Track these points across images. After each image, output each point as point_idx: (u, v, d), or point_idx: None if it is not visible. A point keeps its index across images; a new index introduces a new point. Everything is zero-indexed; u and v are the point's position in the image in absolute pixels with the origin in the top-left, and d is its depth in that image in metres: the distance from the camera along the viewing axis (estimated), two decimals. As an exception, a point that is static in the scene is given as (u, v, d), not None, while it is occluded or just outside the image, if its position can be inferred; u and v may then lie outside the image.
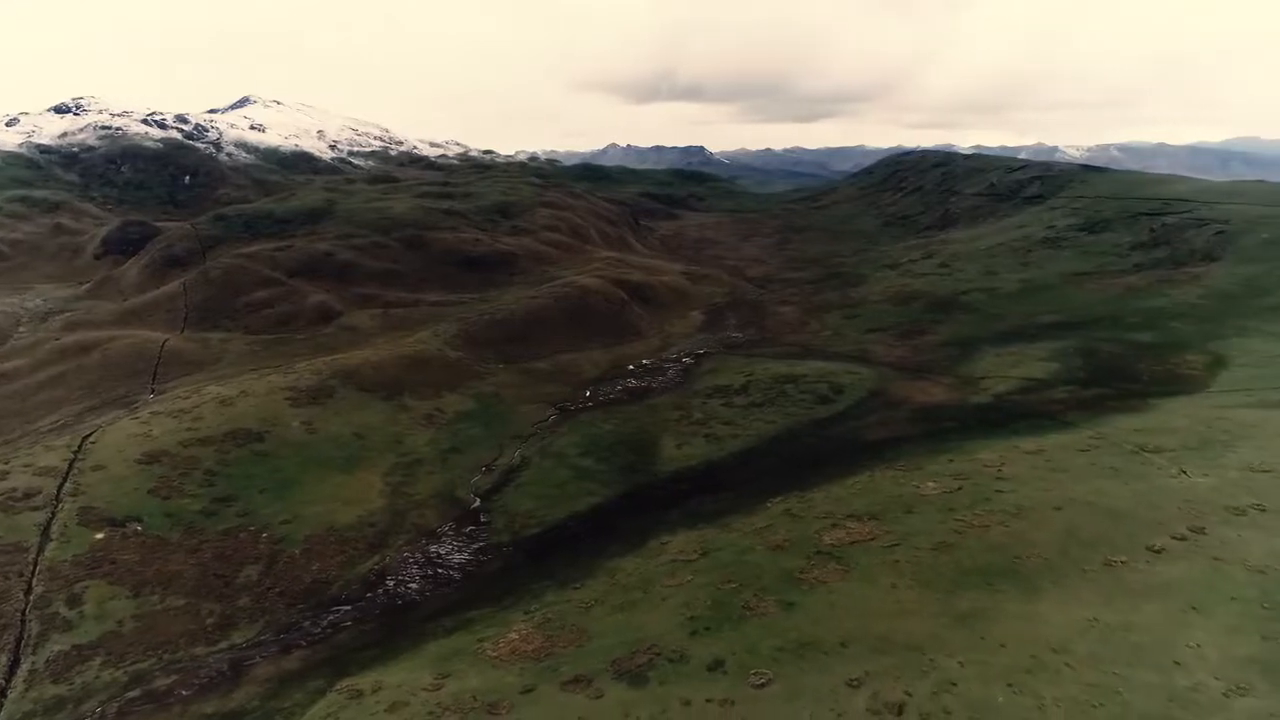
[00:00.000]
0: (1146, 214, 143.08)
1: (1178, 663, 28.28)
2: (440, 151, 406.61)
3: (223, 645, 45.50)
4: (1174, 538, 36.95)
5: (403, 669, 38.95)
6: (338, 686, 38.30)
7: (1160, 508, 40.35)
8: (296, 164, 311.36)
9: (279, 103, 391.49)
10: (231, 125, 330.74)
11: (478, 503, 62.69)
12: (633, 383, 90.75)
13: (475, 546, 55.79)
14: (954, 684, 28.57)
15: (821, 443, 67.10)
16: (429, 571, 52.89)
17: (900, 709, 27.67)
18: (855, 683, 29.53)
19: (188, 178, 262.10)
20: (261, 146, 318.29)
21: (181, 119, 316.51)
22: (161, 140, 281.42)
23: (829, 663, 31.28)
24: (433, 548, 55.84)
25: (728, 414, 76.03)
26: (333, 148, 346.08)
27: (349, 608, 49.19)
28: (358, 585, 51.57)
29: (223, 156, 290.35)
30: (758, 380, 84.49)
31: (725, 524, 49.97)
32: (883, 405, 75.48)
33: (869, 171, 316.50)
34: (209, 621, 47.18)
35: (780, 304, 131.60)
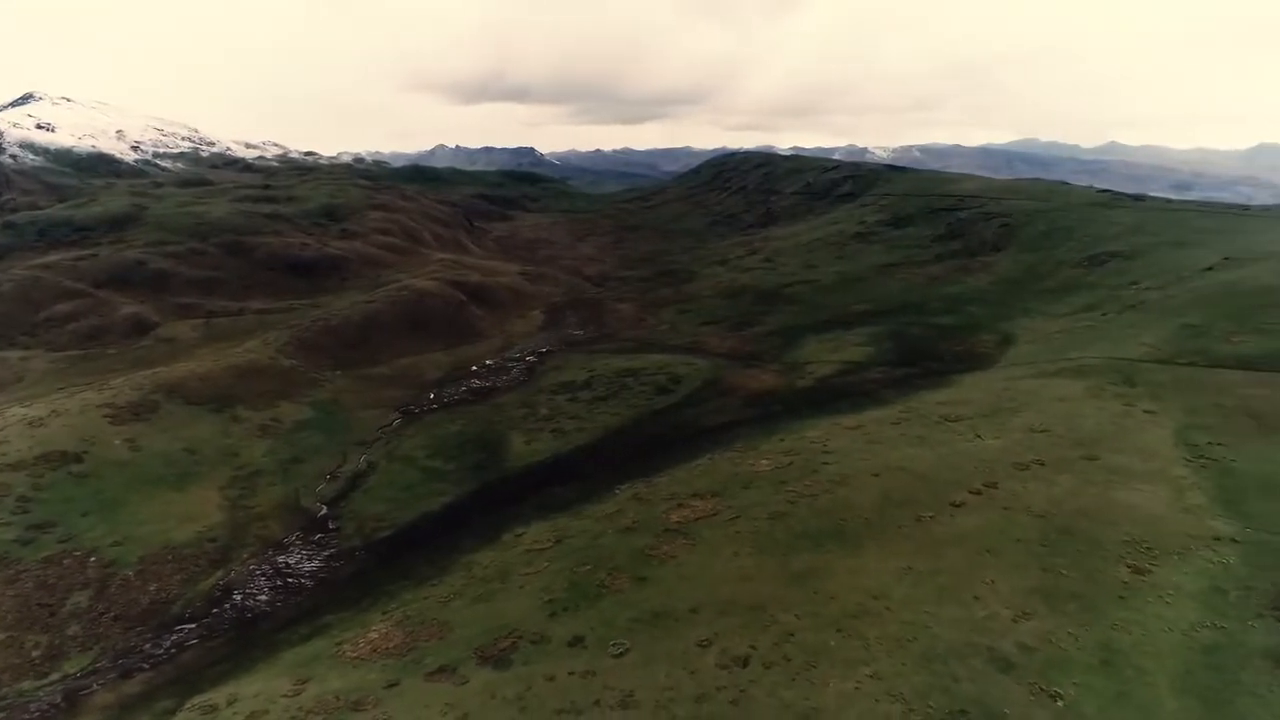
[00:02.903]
0: (944, 210, 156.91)
1: (976, 597, 32.75)
2: (257, 153, 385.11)
3: (53, 677, 43.03)
4: (971, 493, 42.19)
5: (258, 679, 38.38)
6: (189, 704, 37.35)
7: (960, 468, 45.73)
8: (95, 166, 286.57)
9: (69, 100, 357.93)
10: (14, 124, 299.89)
11: (324, 510, 61.55)
12: (477, 383, 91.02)
13: (326, 553, 54.98)
14: (792, 634, 31.79)
15: (663, 431, 70.21)
16: (278, 582, 51.74)
17: (746, 661, 30.56)
18: (705, 643, 32.23)
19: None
20: (52, 148, 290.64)
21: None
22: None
23: (680, 628, 33.82)
24: (280, 558, 54.56)
25: (573, 409, 77.98)
26: (136, 149, 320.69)
27: (194, 626, 47.52)
28: (202, 602, 49.80)
29: (5, 159, 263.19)
30: (600, 375, 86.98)
31: (577, 512, 51.86)
32: (718, 393, 79.70)
33: (696, 172, 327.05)
34: (35, 654, 44.40)
35: (618, 301, 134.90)
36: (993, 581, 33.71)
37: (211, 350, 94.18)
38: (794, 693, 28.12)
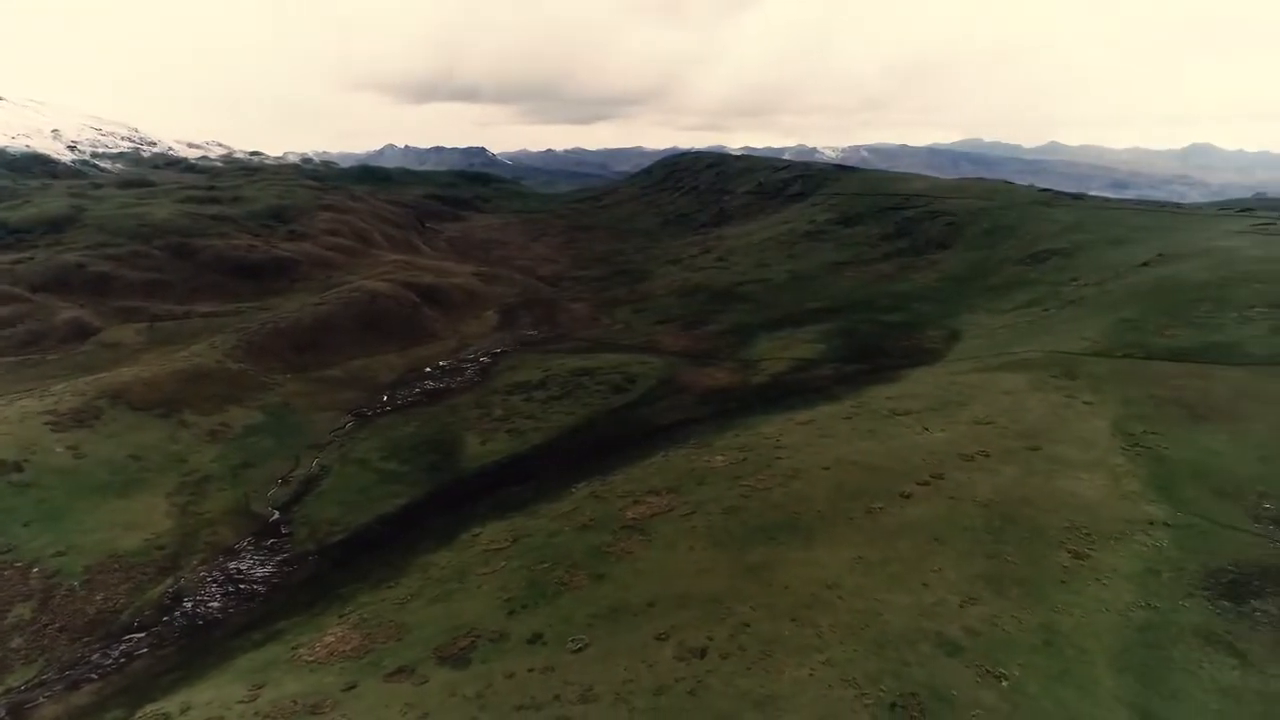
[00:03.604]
0: (892, 209, 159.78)
1: (925, 584, 33.74)
2: (201, 153, 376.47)
3: (-3, 690, 41.94)
4: (920, 484, 43.31)
5: (212, 686, 37.84)
6: (140, 713, 36.66)
7: (908, 460, 46.88)
8: (29, 167, 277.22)
9: (0, 98, 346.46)
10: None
11: (277, 515, 60.79)
12: (431, 384, 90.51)
13: (279, 558, 54.34)
14: (748, 625, 32.40)
15: (619, 429, 70.62)
16: (230, 588, 51.03)
17: (703, 652, 31.09)
18: (663, 636, 32.69)
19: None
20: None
21: None
22: None
23: (638, 622, 34.24)
24: (232, 564, 53.78)
25: (528, 408, 78.00)
26: (72, 148, 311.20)
27: (143, 635, 46.67)
28: (151, 610, 48.90)
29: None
30: (555, 375, 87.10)
31: (533, 511, 51.88)
32: (673, 391, 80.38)
33: (648, 172, 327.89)
34: (-24, 668, 43.25)
35: (572, 301, 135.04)
36: (941, 569, 34.74)
37: (157, 354, 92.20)
38: (750, 681, 28.72)
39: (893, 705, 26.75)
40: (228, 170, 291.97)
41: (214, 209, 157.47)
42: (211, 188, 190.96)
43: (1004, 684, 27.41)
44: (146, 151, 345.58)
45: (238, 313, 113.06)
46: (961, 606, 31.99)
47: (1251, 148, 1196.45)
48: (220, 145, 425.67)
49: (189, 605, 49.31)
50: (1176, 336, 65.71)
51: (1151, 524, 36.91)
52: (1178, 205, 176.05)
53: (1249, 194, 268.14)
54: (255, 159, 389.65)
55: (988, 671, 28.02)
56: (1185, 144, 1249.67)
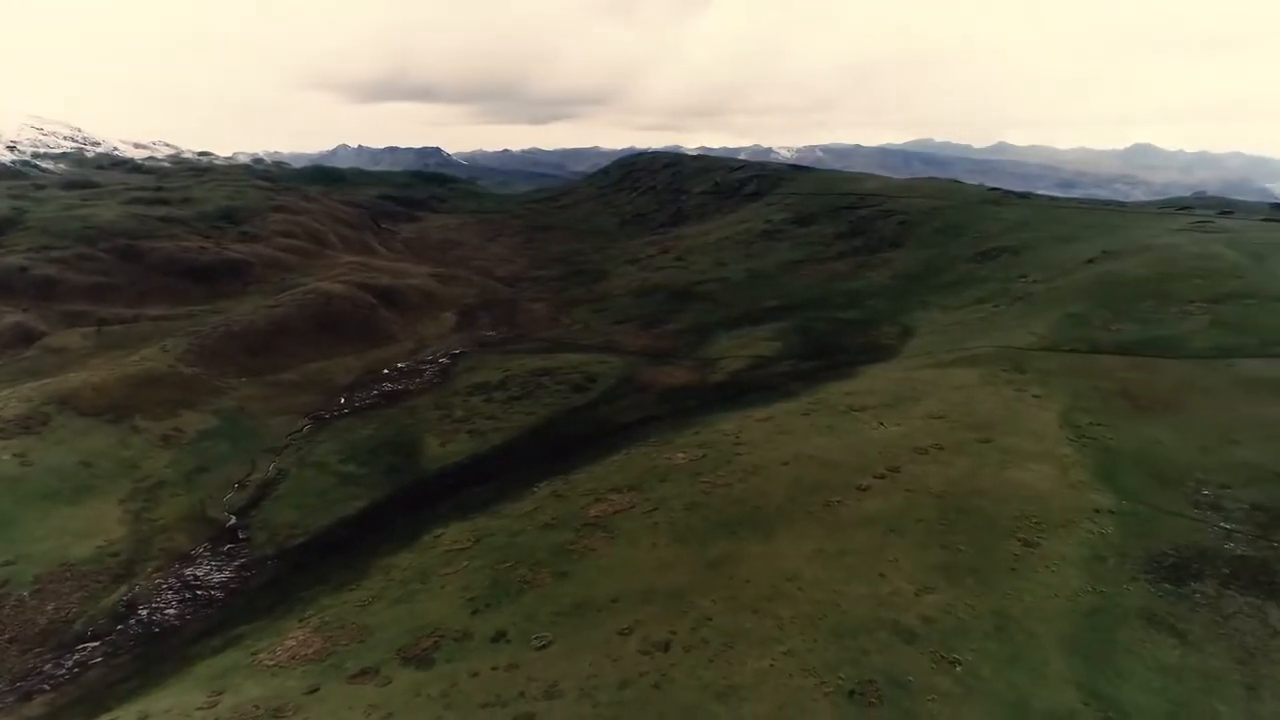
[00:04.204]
0: (846, 208, 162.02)
1: (882, 575, 34.58)
2: (148, 153, 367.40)
3: (-55, 704, 40.92)
4: (876, 477, 44.26)
5: (170, 694, 37.35)
6: (96, 722, 36.21)
7: (865, 454, 47.84)
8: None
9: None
10: None
11: (233, 520, 59.98)
12: (389, 386, 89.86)
13: (236, 564, 53.68)
14: (710, 618, 32.93)
15: (580, 428, 70.87)
16: (187, 595, 50.32)
17: (666, 646, 31.54)
18: (626, 631, 33.07)
19: None
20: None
21: None
22: None
23: (602, 618, 34.59)
24: (188, 570, 53.02)
25: (489, 409, 77.87)
26: (12, 149, 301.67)
27: (97, 644, 45.88)
28: (105, 619, 48.05)
29: None
30: (515, 375, 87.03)
31: (495, 512, 51.90)
32: (633, 390, 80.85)
33: (605, 172, 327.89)
34: (-77, 681, 42.14)
35: (531, 301, 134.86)
36: (897, 559, 35.61)
37: (105, 359, 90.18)
38: (713, 673, 29.21)
39: (851, 693, 27.43)
40: (176, 171, 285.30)
41: (162, 210, 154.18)
42: (159, 188, 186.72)
43: (958, 669, 28.25)
44: (90, 152, 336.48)
45: (189, 316, 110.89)
46: (917, 595, 32.85)
47: (1191, 148, 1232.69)
48: (167, 145, 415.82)
49: (144, 613, 48.55)
50: (1121, 331, 67.80)
51: (1097, 512, 38.20)
52: (1121, 204, 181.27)
53: (1189, 193, 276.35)
54: (204, 159, 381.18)
55: (943, 657, 28.85)
56: (1128, 144, 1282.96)
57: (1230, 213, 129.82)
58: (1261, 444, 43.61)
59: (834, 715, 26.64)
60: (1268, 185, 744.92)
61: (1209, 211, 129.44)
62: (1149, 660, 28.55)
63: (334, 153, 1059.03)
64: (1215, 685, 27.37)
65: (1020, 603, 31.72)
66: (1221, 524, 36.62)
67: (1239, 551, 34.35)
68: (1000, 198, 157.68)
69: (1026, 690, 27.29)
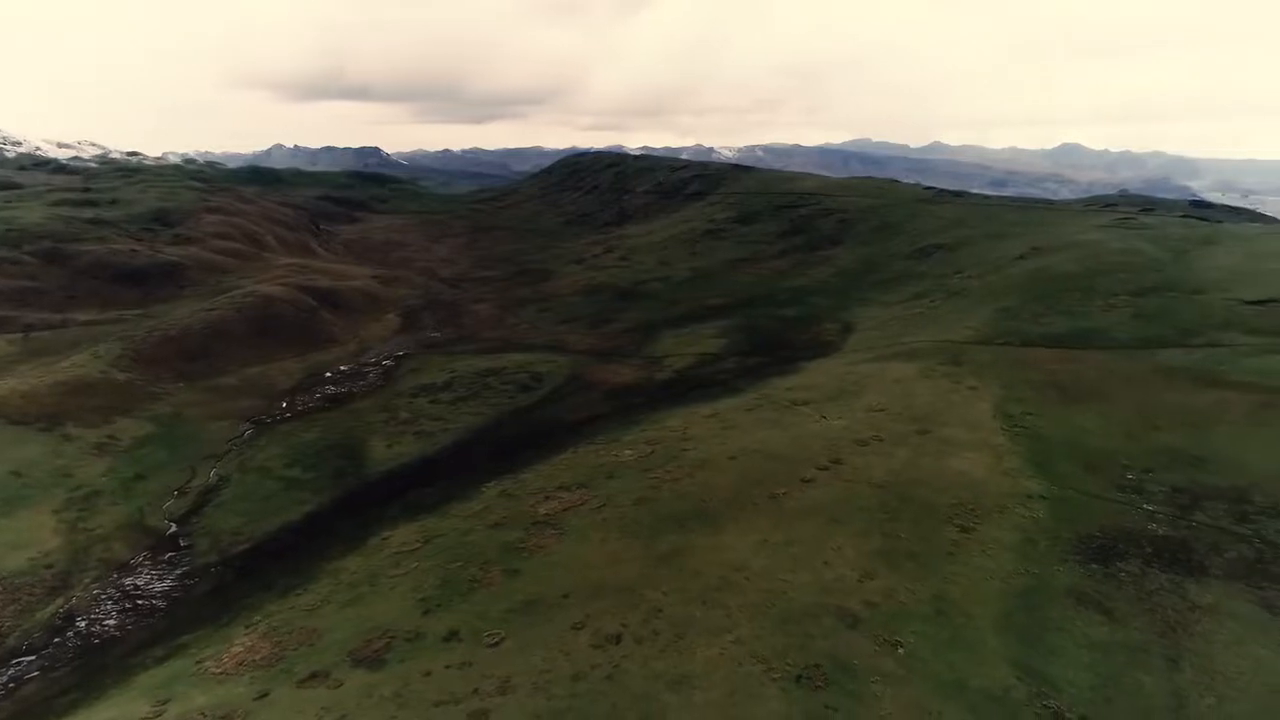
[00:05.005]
0: (787, 206, 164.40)
1: (826, 563, 35.63)
2: (73, 153, 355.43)
3: None
4: (819, 469, 45.46)
5: (112, 705, 36.59)
6: (35, 737, 35.35)
7: (808, 447, 49.04)
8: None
9: None
10: None
11: (174, 528, 58.64)
12: (332, 389, 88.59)
13: (178, 572, 52.56)
14: (660, 610, 33.58)
15: (528, 428, 70.92)
16: (128, 605, 49.11)
17: (618, 638, 32.08)
18: (578, 625, 33.53)
19: None
20: None
21: None
22: None
23: (554, 613, 34.96)
24: (128, 580, 51.73)
25: (435, 410, 77.39)
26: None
27: (33, 658, 44.51)
28: (41, 632, 46.64)
29: None
30: (461, 376, 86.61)
31: (444, 512, 51.79)
32: (580, 389, 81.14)
33: (549, 172, 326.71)
34: None
35: (475, 302, 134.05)
36: (840, 547, 36.73)
37: (33, 366, 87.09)
38: (664, 663, 29.85)
39: (799, 677, 28.31)
40: (104, 171, 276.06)
41: (90, 212, 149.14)
42: (87, 190, 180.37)
43: (900, 651, 29.37)
44: (11, 151, 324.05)
45: (121, 320, 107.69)
46: (860, 581, 33.97)
47: (1115, 148, 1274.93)
48: (94, 145, 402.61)
49: (83, 624, 47.28)
50: (1050, 324, 70.41)
51: (1030, 497, 39.91)
52: (1050, 202, 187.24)
53: (1114, 191, 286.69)
54: (133, 159, 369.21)
55: (885, 640, 29.95)
56: (1056, 144, 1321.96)
57: (1151, 210, 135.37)
58: (1181, 429, 45.92)
59: (782, 700, 27.49)
60: (1187, 184, 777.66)
61: (1132, 209, 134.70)
62: (1078, 637, 30.03)
63: (269, 153, 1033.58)
64: (1140, 658, 28.94)
65: (958, 586, 33.05)
66: (1144, 506, 38.60)
67: (1161, 532, 36.27)
68: (935, 196, 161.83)
69: (964, 669, 28.51)
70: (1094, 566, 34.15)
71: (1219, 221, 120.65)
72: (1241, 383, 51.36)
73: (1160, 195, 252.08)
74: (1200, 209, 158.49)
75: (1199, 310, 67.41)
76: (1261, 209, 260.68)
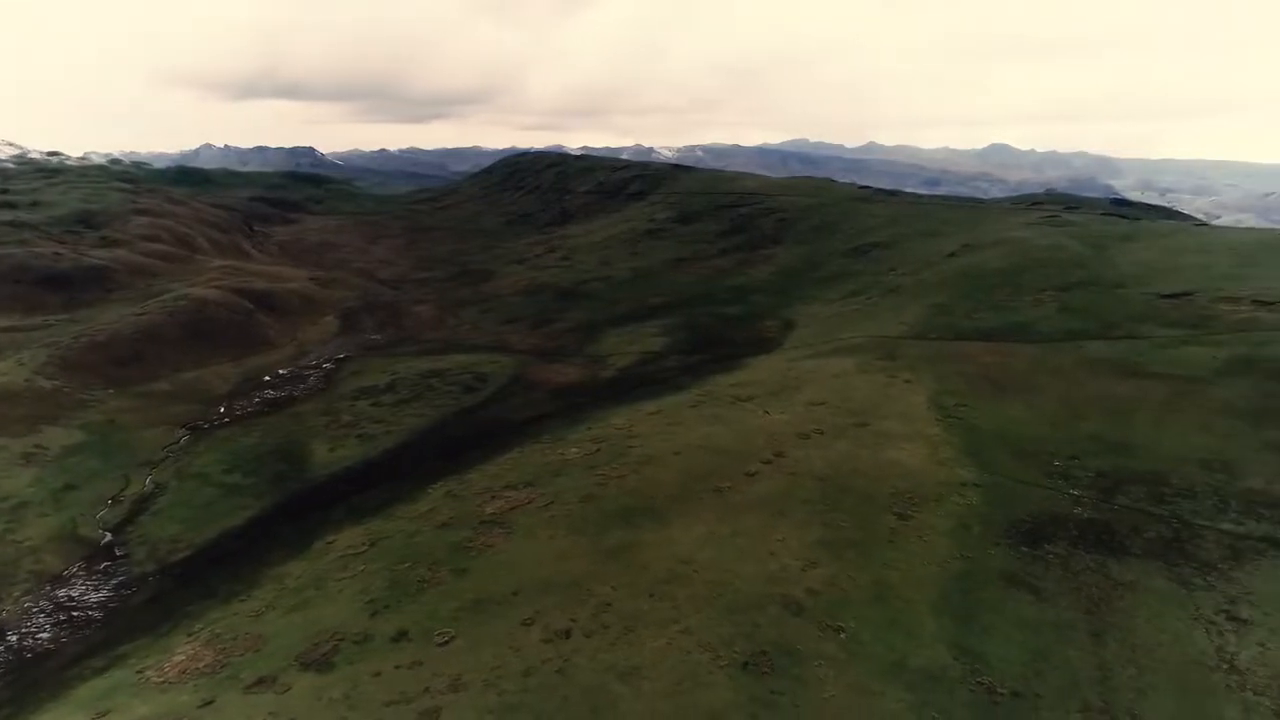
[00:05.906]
0: (727, 206, 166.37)
1: (771, 553, 36.58)
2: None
3: None
4: (763, 462, 46.48)
5: (49, 719, 35.79)
6: (-34, 756, 34.34)
7: (752, 441, 50.05)
8: None
9: None
10: None
11: (109, 537, 57.08)
12: (271, 393, 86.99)
13: (114, 582, 51.26)
14: (609, 604, 34.12)
15: (472, 428, 70.72)
16: (61, 617, 47.76)
17: (568, 633, 32.53)
18: (528, 621, 33.87)
19: None
20: None
21: None
22: None
23: (503, 611, 35.22)
24: (61, 591, 50.29)
25: (377, 413, 76.63)
26: None
27: (-39, 675, 43.09)
28: (-31, 649, 45.17)
29: None
30: (403, 378, 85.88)
31: (390, 514, 51.47)
32: (524, 389, 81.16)
33: (489, 171, 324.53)
34: None
35: (416, 303, 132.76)
36: (784, 538, 37.72)
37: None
38: (614, 656, 30.41)
39: (745, 664, 29.15)
40: (21, 172, 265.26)
41: (8, 215, 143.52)
42: (4, 191, 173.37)
43: (842, 635, 30.43)
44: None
45: (45, 326, 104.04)
46: (803, 570, 34.99)
47: (1042, 148, 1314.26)
48: (10, 145, 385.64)
49: (14, 638, 45.85)
50: (981, 319, 72.84)
51: (964, 485, 41.50)
52: (980, 201, 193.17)
53: (1040, 190, 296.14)
54: (54, 159, 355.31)
55: (828, 626, 30.98)
56: (986, 144, 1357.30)
57: (1076, 208, 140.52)
58: (1104, 418, 48.18)
59: (730, 686, 28.28)
60: (1110, 182, 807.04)
61: (1057, 207, 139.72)
62: (1010, 616, 31.46)
63: (198, 152, 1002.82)
64: (1067, 634, 30.46)
65: (897, 571, 34.29)
66: (1071, 491, 40.44)
67: (1085, 515, 38.10)
68: (871, 195, 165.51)
69: (904, 651, 29.67)
70: (1024, 549, 35.74)
71: (1138, 219, 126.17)
72: (1159, 373, 53.99)
73: (1084, 194, 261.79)
74: (1121, 207, 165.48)
75: (1120, 304, 70.42)
76: (1178, 206, 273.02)
